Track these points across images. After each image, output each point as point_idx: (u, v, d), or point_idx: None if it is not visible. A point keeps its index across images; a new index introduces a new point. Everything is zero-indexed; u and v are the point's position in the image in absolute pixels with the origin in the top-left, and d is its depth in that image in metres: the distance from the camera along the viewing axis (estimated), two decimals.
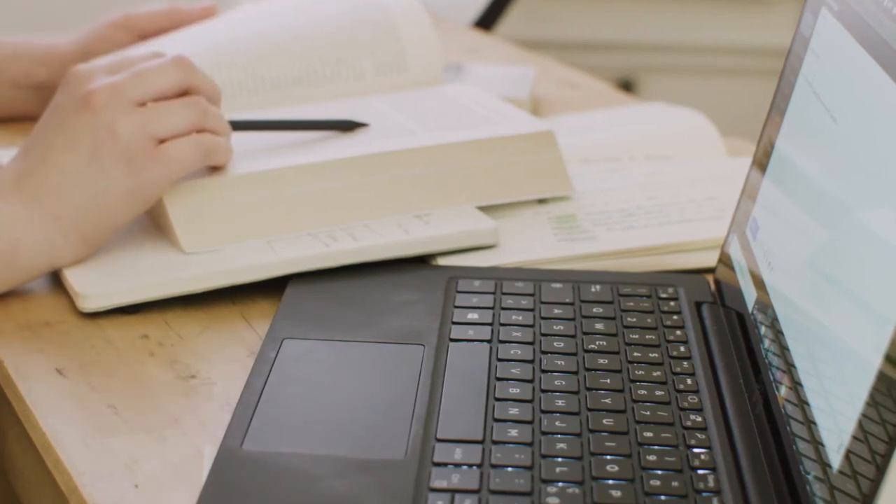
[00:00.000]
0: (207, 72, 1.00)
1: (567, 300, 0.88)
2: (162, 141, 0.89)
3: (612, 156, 1.14)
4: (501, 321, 0.85)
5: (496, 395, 0.76)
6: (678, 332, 0.84)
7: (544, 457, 0.70)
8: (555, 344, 0.82)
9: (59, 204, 0.88)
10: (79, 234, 0.88)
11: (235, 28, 1.19)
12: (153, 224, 0.96)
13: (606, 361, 0.80)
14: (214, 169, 0.94)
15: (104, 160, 0.88)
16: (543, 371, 0.79)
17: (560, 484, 0.68)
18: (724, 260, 0.91)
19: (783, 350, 0.74)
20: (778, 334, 0.76)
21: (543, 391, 0.77)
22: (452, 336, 0.83)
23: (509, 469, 0.69)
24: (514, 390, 0.77)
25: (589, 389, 0.77)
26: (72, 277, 0.89)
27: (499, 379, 0.78)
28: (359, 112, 1.08)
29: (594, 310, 0.87)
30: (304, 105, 1.13)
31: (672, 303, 0.88)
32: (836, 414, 0.64)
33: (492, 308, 0.87)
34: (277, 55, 1.16)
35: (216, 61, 1.14)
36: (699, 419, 0.74)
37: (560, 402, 0.75)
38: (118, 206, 0.89)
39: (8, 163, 0.91)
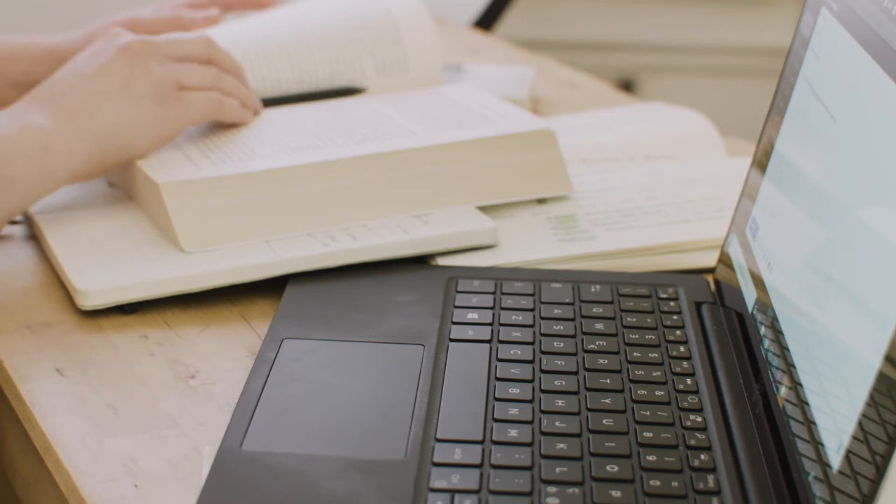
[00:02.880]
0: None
1: (567, 300, 0.88)
2: (184, 89, 0.99)
3: (612, 156, 1.14)
4: (501, 321, 0.85)
5: (496, 396, 0.76)
6: (678, 333, 0.84)
7: (544, 457, 0.70)
8: (555, 344, 0.82)
9: (90, 118, 0.95)
10: (101, 151, 0.95)
11: (238, 31, 1.19)
12: (153, 223, 0.96)
13: (606, 362, 0.80)
14: (229, 126, 1.04)
15: (136, 89, 0.96)
16: (543, 371, 0.79)
17: (560, 484, 0.68)
18: (724, 260, 0.91)
19: (783, 350, 0.74)
20: (778, 334, 0.76)
21: (543, 391, 0.77)
22: (452, 336, 0.83)
23: (509, 469, 0.69)
24: (514, 390, 0.77)
25: (589, 390, 0.77)
26: (71, 275, 0.89)
27: (499, 379, 0.78)
28: (359, 112, 1.08)
29: (594, 310, 0.87)
30: (302, 105, 1.13)
31: (672, 303, 0.88)
32: (835, 414, 0.64)
33: (492, 308, 0.87)
34: (278, 56, 1.16)
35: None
36: (699, 419, 0.74)
37: (560, 403, 0.75)
38: (141, 133, 0.97)
39: (35, 89, 0.97)
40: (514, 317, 0.86)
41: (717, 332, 0.84)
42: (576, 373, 0.79)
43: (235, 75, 1.05)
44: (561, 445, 0.71)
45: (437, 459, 0.70)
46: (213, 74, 1.02)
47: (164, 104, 0.98)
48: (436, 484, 0.68)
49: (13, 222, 1.01)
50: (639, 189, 1.05)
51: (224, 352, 0.84)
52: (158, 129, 0.98)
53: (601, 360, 0.80)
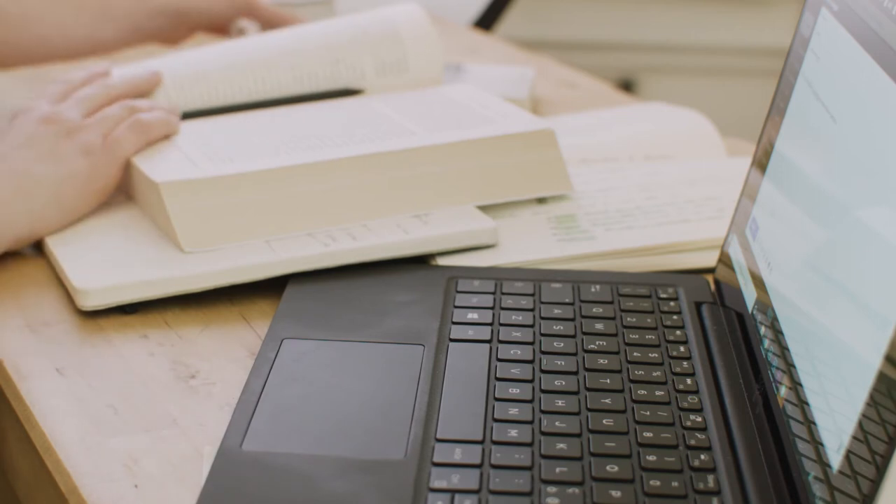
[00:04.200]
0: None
1: (567, 300, 0.88)
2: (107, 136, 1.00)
3: (612, 156, 1.14)
4: (501, 321, 0.85)
5: (496, 396, 0.76)
6: (678, 333, 0.84)
7: (544, 457, 0.70)
8: (555, 344, 0.82)
9: (27, 182, 0.95)
10: (54, 207, 0.96)
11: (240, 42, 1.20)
12: (152, 223, 0.96)
13: (606, 362, 0.80)
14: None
15: (63, 152, 0.97)
16: (543, 371, 0.79)
17: (560, 484, 0.68)
18: (724, 260, 0.91)
19: (783, 350, 0.74)
20: (778, 334, 0.76)
21: (543, 391, 0.77)
22: (452, 336, 0.83)
23: (509, 469, 0.69)
24: (514, 390, 0.77)
25: (589, 390, 0.77)
26: (71, 275, 0.89)
27: (499, 379, 0.78)
28: (359, 112, 1.08)
29: (594, 310, 0.87)
30: (302, 105, 1.13)
31: (672, 303, 0.88)
32: (835, 414, 0.64)
33: (492, 308, 0.87)
34: (278, 57, 1.16)
35: (217, 63, 1.14)
36: (699, 419, 0.74)
37: (560, 403, 0.75)
38: (82, 189, 0.97)
39: None
40: (514, 317, 0.86)
41: (717, 332, 0.84)
42: (576, 373, 0.79)
43: (140, 91, 1.08)
44: (561, 445, 0.71)
45: (437, 459, 0.70)
46: (123, 107, 1.02)
47: (94, 159, 0.97)
48: (436, 484, 0.68)
49: None
50: (639, 189, 1.05)
51: (224, 352, 0.84)
52: (97, 184, 0.98)
53: (601, 360, 0.80)
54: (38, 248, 0.98)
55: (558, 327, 0.84)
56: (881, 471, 0.57)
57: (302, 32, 1.19)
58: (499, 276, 0.91)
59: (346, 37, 1.18)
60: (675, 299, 0.89)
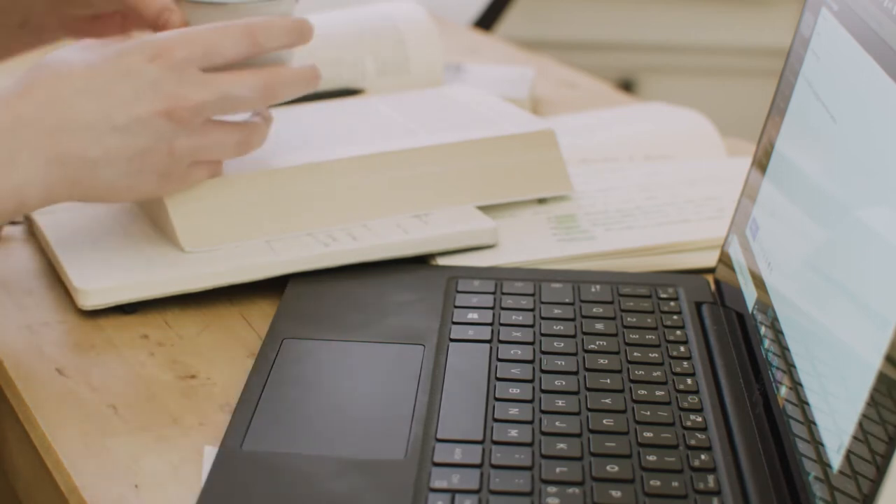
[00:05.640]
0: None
1: (567, 300, 0.88)
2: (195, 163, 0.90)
3: (612, 156, 1.14)
4: (501, 321, 0.85)
5: (496, 396, 0.76)
6: (678, 333, 0.84)
7: (544, 457, 0.70)
8: (555, 344, 0.82)
9: (83, 172, 0.85)
10: (68, 195, 0.86)
11: None
12: (153, 223, 0.96)
13: (606, 362, 0.80)
14: None
15: (147, 169, 0.87)
16: (543, 371, 0.79)
17: (560, 484, 0.68)
18: (724, 260, 0.91)
19: (783, 350, 0.74)
20: (778, 334, 0.76)
21: (543, 391, 0.77)
22: (452, 336, 0.83)
23: (509, 469, 0.69)
24: (514, 390, 0.77)
25: (589, 390, 0.77)
26: (71, 274, 0.89)
27: (499, 379, 0.78)
28: (359, 112, 1.08)
29: (594, 310, 0.87)
30: (302, 105, 1.13)
31: (672, 303, 0.88)
32: (835, 414, 0.64)
33: (492, 308, 0.87)
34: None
35: None
36: (699, 419, 0.74)
37: (560, 403, 0.75)
38: (120, 196, 0.88)
39: (58, 80, 0.85)
40: (514, 317, 0.86)
41: (717, 332, 0.84)
42: (576, 373, 0.79)
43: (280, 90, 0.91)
44: (561, 445, 0.71)
45: (437, 459, 0.70)
46: (240, 149, 0.91)
47: (163, 184, 0.88)
48: (436, 484, 0.68)
49: (13, 222, 1.01)
50: (639, 189, 1.05)
51: (224, 352, 0.84)
52: (139, 195, 0.89)
53: (601, 360, 0.80)
54: (29, 225, 0.98)
55: (558, 327, 0.84)
56: (881, 471, 0.57)
57: None
58: (499, 276, 0.91)
59: (347, 36, 1.18)
60: (676, 299, 0.89)
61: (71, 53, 0.87)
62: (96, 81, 0.85)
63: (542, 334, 0.83)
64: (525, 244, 0.96)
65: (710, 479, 0.69)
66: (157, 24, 0.93)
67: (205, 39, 0.87)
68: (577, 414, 0.74)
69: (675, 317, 0.86)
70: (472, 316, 0.86)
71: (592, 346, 0.82)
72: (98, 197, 0.87)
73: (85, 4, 1.01)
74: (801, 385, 0.70)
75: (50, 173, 0.83)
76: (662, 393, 0.77)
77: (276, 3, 0.93)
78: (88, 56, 0.86)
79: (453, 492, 0.67)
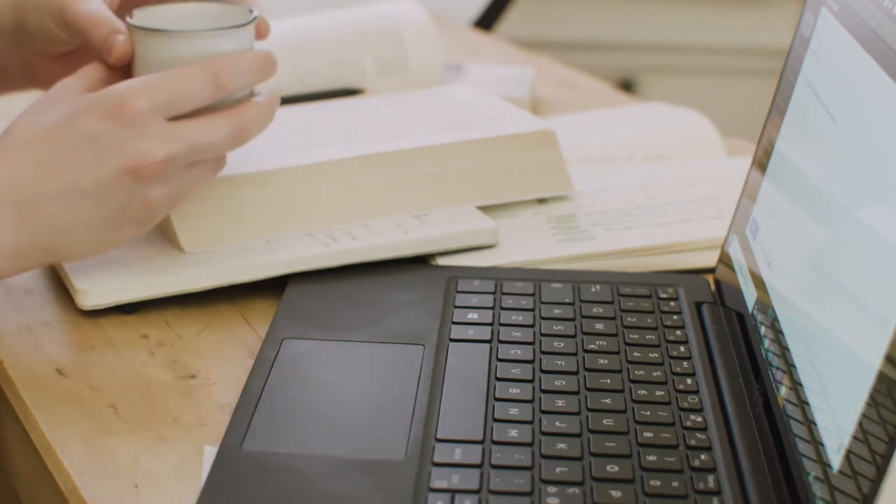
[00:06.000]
0: None
1: (567, 300, 0.88)
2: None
3: (612, 156, 1.14)
4: (501, 321, 0.85)
5: (496, 396, 0.76)
6: (678, 333, 0.84)
7: (544, 457, 0.70)
8: (555, 344, 0.82)
9: (57, 240, 0.82)
10: (58, 258, 0.84)
11: None
12: None
13: (606, 362, 0.80)
14: None
15: (125, 222, 0.84)
16: (543, 371, 0.79)
17: (560, 484, 0.68)
18: (724, 260, 0.91)
19: (783, 350, 0.74)
20: (778, 334, 0.76)
21: (543, 391, 0.77)
22: (452, 336, 0.83)
23: (509, 469, 0.69)
24: (514, 390, 0.77)
25: (589, 390, 0.77)
26: (72, 274, 0.89)
27: (499, 379, 0.78)
28: (359, 112, 1.08)
29: (594, 310, 0.87)
30: (302, 105, 1.13)
31: (672, 303, 0.88)
32: (835, 414, 0.64)
33: (492, 308, 0.87)
34: (280, 56, 1.16)
35: None
36: (699, 419, 0.74)
37: (560, 403, 0.75)
38: (109, 248, 0.85)
39: (19, 151, 0.82)
40: (514, 317, 0.86)
41: (717, 332, 0.84)
42: (576, 373, 0.79)
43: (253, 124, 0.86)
44: (561, 445, 0.71)
45: (437, 459, 0.70)
46: (213, 172, 0.87)
47: (149, 222, 0.85)
48: (436, 484, 0.68)
49: None
50: (639, 189, 1.05)
51: (224, 352, 0.84)
52: (123, 243, 0.85)
53: (601, 360, 0.80)
54: None
55: (558, 327, 0.84)
56: (881, 471, 0.57)
57: (303, 31, 1.19)
58: (499, 276, 0.91)
59: (347, 36, 1.18)
60: (676, 299, 0.89)
61: (31, 118, 0.83)
62: (58, 149, 0.81)
63: (542, 334, 0.83)
64: (525, 244, 0.96)
65: (710, 479, 0.69)
66: (103, 50, 0.87)
67: (167, 88, 0.82)
68: (577, 414, 0.74)
69: (675, 317, 0.86)
70: (472, 316, 0.86)
71: (592, 346, 0.82)
72: (79, 256, 0.84)
73: (47, 43, 0.93)
74: (801, 385, 0.70)
75: (20, 244, 0.81)
76: (662, 393, 0.77)
77: (232, 34, 0.87)
78: (48, 119, 0.82)
79: (453, 492, 0.67)
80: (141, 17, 0.89)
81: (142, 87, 0.82)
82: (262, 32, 0.90)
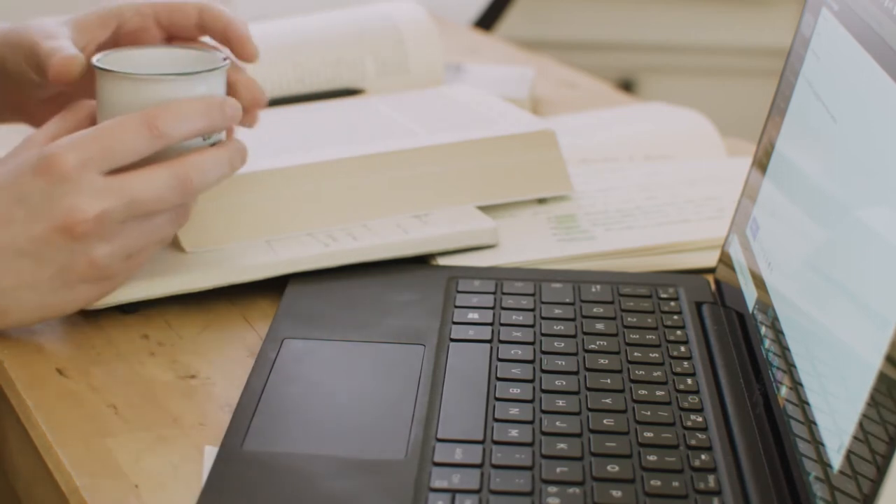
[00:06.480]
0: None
1: (567, 300, 0.88)
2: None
3: (612, 156, 1.14)
4: (502, 321, 0.85)
5: (496, 396, 0.76)
6: (678, 333, 0.84)
7: (545, 457, 0.70)
8: (555, 344, 0.82)
9: (3, 302, 0.80)
10: (11, 322, 0.82)
11: None
12: None
13: (607, 361, 0.80)
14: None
15: (74, 283, 0.81)
16: (544, 371, 0.79)
17: (560, 484, 0.68)
18: (725, 260, 0.91)
19: (783, 350, 0.74)
20: (778, 334, 0.76)
21: (544, 391, 0.77)
22: (452, 336, 0.83)
23: (510, 469, 0.69)
24: (515, 390, 0.77)
25: (589, 389, 0.77)
26: None
27: (499, 379, 0.78)
28: (359, 112, 1.08)
29: (594, 310, 0.87)
30: (302, 105, 1.13)
31: (672, 303, 0.88)
32: (836, 414, 0.64)
33: (492, 308, 0.87)
34: (280, 56, 1.16)
35: None
36: (699, 419, 0.74)
37: (560, 403, 0.75)
38: (70, 309, 0.83)
39: None
40: (514, 317, 0.86)
41: (717, 332, 0.84)
42: (576, 373, 0.79)
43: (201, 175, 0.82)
44: (561, 445, 0.71)
45: (437, 459, 0.70)
46: (175, 226, 0.84)
47: (107, 286, 0.83)
48: (436, 484, 0.68)
49: None
50: (639, 189, 1.05)
51: (224, 352, 0.84)
52: (84, 304, 0.83)
53: (602, 360, 0.80)
54: None
55: (559, 327, 0.84)
56: (882, 471, 0.57)
57: (303, 31, 1.19)
58: (499, 276, 0.91)
59: (347, 36, 1.18)
60: (676, 299, 0.89)
61: None
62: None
63: (543, 334, 0.83)
64: (525, 244, 0.96)
65: (711, 479, 0.69)
66: (49, 75, 0.85)
67: (99, 139, 0.79)
68: (578, 414, 0.74)
69: (675, 317, 0.86)
70: (473, 316, 0.86)
71: (593, 345, 0.82)
72: (32, 319, 0.82)
73: (27, 85, 0.91)
74: (801, 385, 0.70)
75: None
76: (663, 393, 0.77)
77: (194, 79, 0.83)
78: None
79: (453, 492, 0.67)
80: (107, 57, 0.85)
81: (74, 141, 0.79)
82: (226, 117, 0.84)
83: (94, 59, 0.84)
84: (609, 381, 0.78)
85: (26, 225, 0.79)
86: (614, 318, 0.86)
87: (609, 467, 0.69)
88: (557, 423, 0.73)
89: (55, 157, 0.78)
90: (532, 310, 0.87)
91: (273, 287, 0.91)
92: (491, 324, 0.85)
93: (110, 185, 0.79)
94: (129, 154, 0.80)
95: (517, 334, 0.83)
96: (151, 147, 0.80)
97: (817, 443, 0.65)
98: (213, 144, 0.84)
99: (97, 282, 0.82)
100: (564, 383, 0.77)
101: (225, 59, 0.86)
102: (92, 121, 0.85)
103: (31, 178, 0.79)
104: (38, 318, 0.83)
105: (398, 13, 1.22)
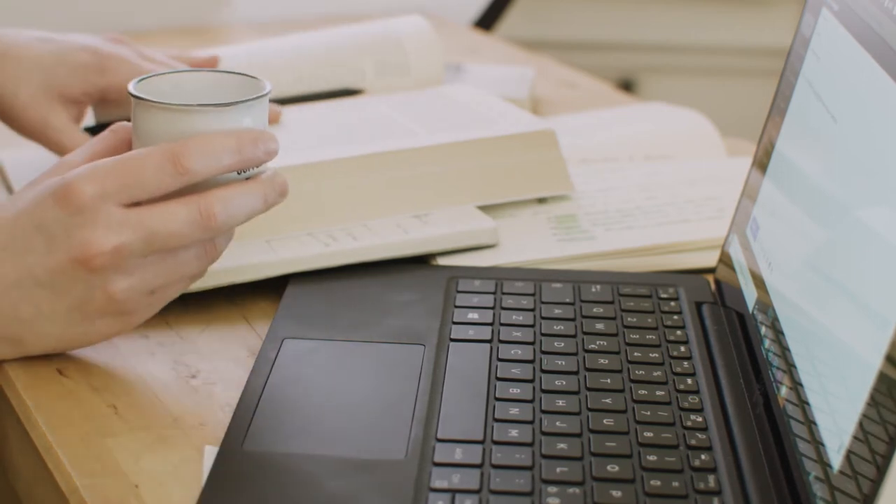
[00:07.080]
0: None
1: (567, 300, 0.88)
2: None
3: (612, 156, 1.14)
4: (502, 321, 0.85)
5: (496, 396, 0.76)
6: (678, 333, 0.84)
7: (545, 457, 0.70)
8: (555, 344, 0.82)
9: (21, 331, 0.79)
10: (28, 350, 0.81)
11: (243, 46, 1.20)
12: None
13: (607, 361, 0.80)
14: None
15: (93, 316, 0.79)
16: (544, 371, 0.79)
17: (560, 484, 0.68)
18: (725, 260, 0.91)
19: (783, 350, 0.74)
20: (778, 334, 0.76)
21: (544, 391, 0.77)
22: (453, 336, 0.83)
23: (510, 469, 0.69)
24: (515, 390, 0.77)
25: (589, 389, 0.77)
26: None
27: (499, 379, 0.78)
28: (359, 112, 1.08)
29: (594, 310, 0.87)
30: (302, 105, 1.13)
31: (672, 303, 0.88)
32: (836, 414, 0.64)
33: (492, 308, 0.87)
34: (279, 57, 1.16)
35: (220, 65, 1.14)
36: (699, 419, 0.74)
37: (560, 403, 0.75)
38: (92, 342, 0.81)
39: None
40: (514, 317, 0.86)
41: (717, 332, 0.84)
42: (576, 373, 0.79)
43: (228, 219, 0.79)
44: (561, 445, 0.71)
45: (437, 459, 0.70)
46: (201, 265, 0.81)
47: (127, 321, 0.80)
48: (436, 484, 0.68)
49: None
50: (639, 189, 1.05)
51: (225, 352, 0.84)
52: (106, 337, 0.81)
53: (602, 360, 0.80)
54: None
55: (559, 327, 0.84)
56: (882, 471, 0.57)
57: (304, 38, 1.20)
58: (499, 276, 0.91)
59: (348, 42, 1.19)
60: (676, 299, 0.89)
61: (22, 192, 0.79)
62: (16, 235, 0.77)
63: (543, 334, 0.83)
64: (525, 244, 0.96)
65: (711, 479, 0.69)
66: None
67: (119, 172, 0.76)
68: (578, 414, 0.74)
69: (675, 317, 0.86)
70: (473, 316, 0.86)
71: (593, 345, 0.82)
72: (51, 349, 0.81)
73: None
74: (801, 385, 0.70)
75: None
76: (663, 393, 0.77)
77: (229, 110, 0.78)
78: (23, 199, 0.78)
79: (453, 492, 0.67)
80: (147, 82, 0.81)
81: (96, 170, 0.77)
82: (259, 153, 0.80)
83: (131, 86, 0.80)
84: (609, 380, 0.78)
85: (44, 255, 0.77)
86: (614, 318, 0.86)
87: (609, 467, 0.69)
88: (557, 423, 0.73)
89: (73, 186, 0.76)
90: (532, 310, 0.87)
91: (273, 287, 0.91)
92: (491, 324, 0.85)
93: (128, 218, 0.76)
94: (151, 188, 0.77)
95: (517, 334, 0.83)
96: (176, 183, 0.77)
97: (817, 443, 0.65)
98: (249, 178, 0.80)
99: (117, 316, 0.79)
100: (564, 383, 0.77)
101: (268, 89, 0.81)
102: (130, 145, 0.82)
103: (51, 205, 0.77)
104: (54, 349, 0.81)
105: (400, 24, 1.22)
